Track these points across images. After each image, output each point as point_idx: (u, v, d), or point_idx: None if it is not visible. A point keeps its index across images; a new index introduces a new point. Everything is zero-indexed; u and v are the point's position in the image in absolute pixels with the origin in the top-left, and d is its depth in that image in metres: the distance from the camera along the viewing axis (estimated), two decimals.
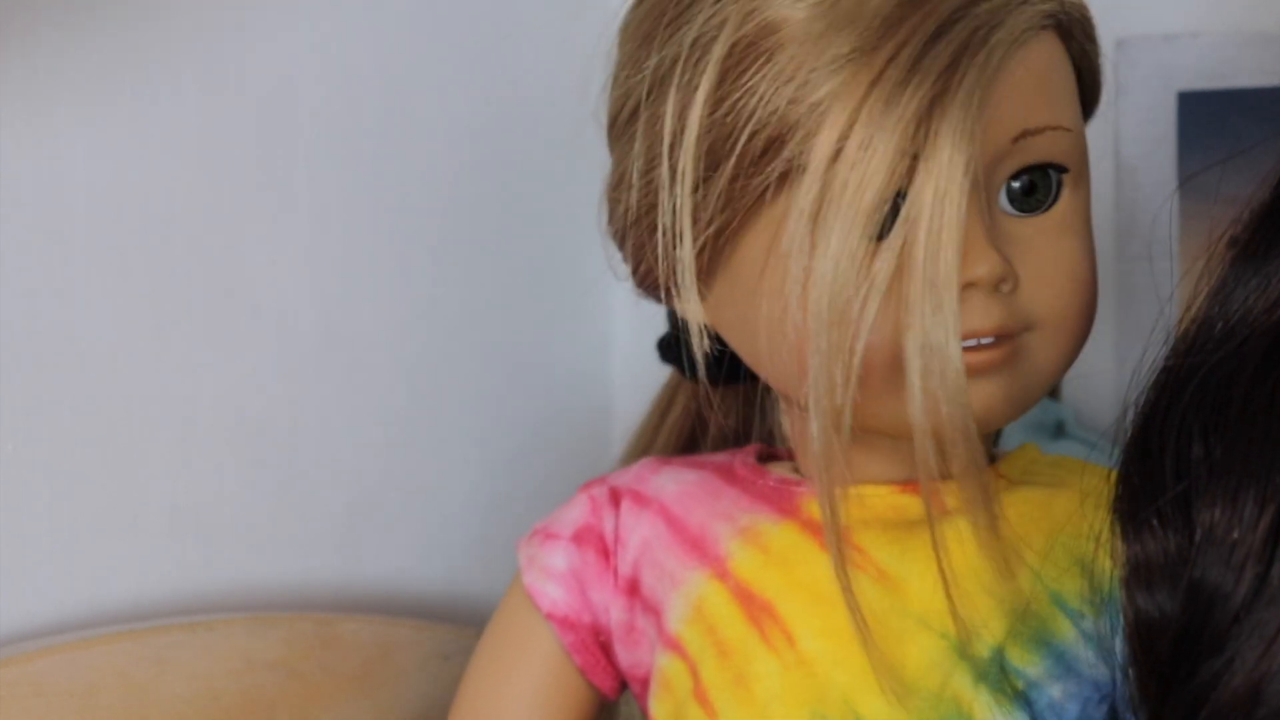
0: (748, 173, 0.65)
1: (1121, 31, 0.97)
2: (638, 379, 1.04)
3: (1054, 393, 0.98)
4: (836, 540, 0.65)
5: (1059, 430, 0.92)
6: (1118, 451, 0.65)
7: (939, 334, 0.62)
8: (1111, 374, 0.94)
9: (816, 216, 0.63)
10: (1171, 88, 0.95)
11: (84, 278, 0.79)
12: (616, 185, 0.71)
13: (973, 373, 0.64)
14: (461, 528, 0.96)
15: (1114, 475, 0.67)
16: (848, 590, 0.65)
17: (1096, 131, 1.00)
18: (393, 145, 0.92)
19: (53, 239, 0.78)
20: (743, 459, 0.74)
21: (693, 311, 0.68)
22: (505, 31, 0.99)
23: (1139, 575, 0.61)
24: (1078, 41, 0.68)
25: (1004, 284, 0.65)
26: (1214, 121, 0.94)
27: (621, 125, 0.71)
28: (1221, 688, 0.57)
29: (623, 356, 1.08)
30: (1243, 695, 0.57)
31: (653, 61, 0.68)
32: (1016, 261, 0.65)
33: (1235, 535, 0.58)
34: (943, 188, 0.62)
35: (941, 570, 0.64)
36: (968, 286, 0.64)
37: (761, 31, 0.64)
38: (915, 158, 0.62)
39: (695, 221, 0.66)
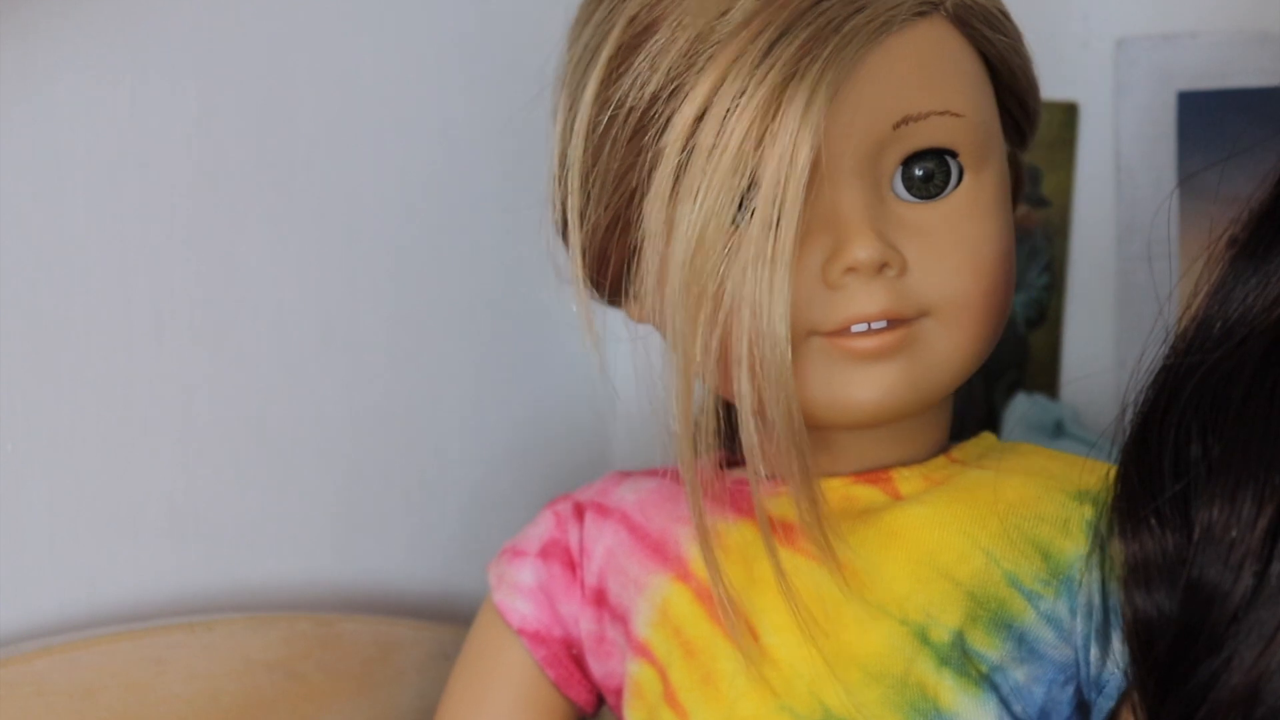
0: (623, 163, 0.66)
1: (1121, 31, 0.97)
2: (636, 379, 1.04)
3: (1053, 393, 0.98)
4: (765, 521, 0.66)
5: (1057, 430, 0.92)
6: (1117, 451, 0.65)
7: (769, 315, 0.62)
8: (1111, 374, 0.94)
9: (672, 199, 0.64)
10: (1171, 88, 0.95)
11: (83, 277, 0.79)
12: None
13: (867, 357, 0.65)
14: (461, 527, 0.96)
15: (1070, 459, 0.68)
16: (781, 574, 0.66)
17: (1097, 131, 1.00)
18: (392, 145, 0.92)
19: (51, 239, 0.78)
20: (704, 464, 0.75)
21: (581, 303, 0.70)
22: (505, 30, 0.99)
23: (1137, 574, 0.62)
24: (976, 29, 0.68)
25: (887, 269, 0.65)
26: (1214, 121, 0.94)
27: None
28: (1220, 687, 0.58)
29: (621, 356, 1.07)
30: (1241, 694, 0.57)
31: (566, 62, 0.70)
32: (908, 247, 0.66)
33: (1233, 534, 0.58)
34: (784, 171, 0.62)
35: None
36: (848, 272, 0.65)
37: (642, 30, 0.66)
38: (765, 142, 0.62)
39: (583, 214, 0.68)
